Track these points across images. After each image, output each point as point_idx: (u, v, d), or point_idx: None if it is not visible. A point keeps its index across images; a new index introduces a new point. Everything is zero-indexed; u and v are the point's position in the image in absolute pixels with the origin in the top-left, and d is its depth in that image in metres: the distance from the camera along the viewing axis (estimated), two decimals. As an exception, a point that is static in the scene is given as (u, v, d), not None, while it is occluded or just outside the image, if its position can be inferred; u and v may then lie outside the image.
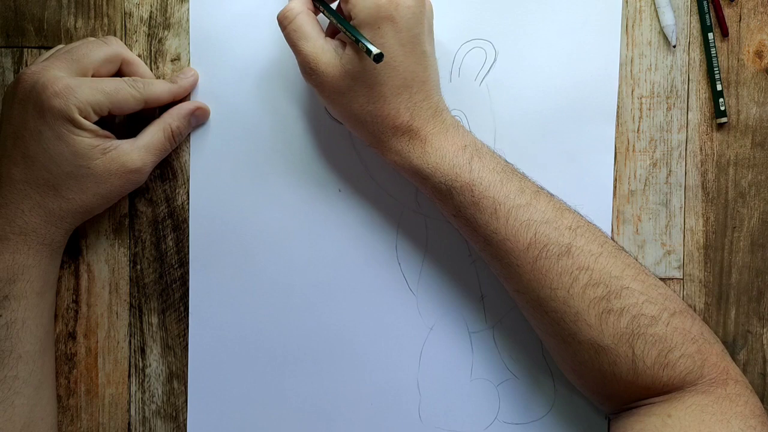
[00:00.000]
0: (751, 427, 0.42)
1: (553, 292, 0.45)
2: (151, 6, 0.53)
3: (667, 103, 0.52)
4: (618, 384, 0.45)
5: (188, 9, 0.53)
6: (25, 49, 0.53)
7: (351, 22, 0.45)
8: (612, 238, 0.52)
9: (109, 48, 0.50)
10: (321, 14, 0.48)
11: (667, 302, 0.45)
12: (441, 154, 0.46)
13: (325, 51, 0.46)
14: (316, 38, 0.46)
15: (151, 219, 0.54)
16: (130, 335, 0.54)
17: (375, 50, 0.43)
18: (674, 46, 0.52)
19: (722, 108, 0.51)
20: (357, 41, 0.44)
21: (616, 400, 0.46)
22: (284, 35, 0.47)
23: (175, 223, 0.53)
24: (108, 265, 0.54)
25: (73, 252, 0.53)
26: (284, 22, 0.47)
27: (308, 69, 0.46)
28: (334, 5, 0.49)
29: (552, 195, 0.47)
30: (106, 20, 0.53)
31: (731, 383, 0.44)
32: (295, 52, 0.47)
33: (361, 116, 0.46)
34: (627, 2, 0.52)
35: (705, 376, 0.44)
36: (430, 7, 0.47)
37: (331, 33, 0.48)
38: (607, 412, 0.49)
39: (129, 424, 0.54)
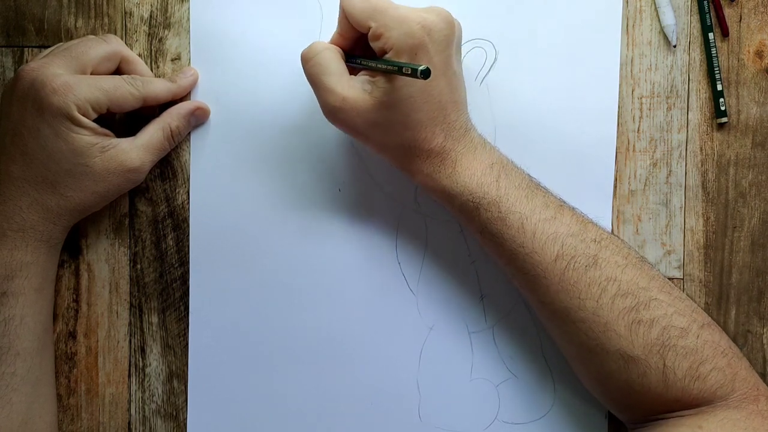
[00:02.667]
0: None
1: (581, 303, 0.45)
2: (151, 5, 0.53)
3: (667, 103, 0.52)
4: (647, 395, 0.44)
5: (188, 8, 0.53)
6: (26, 49, 0.53)
7: (386, 56, 0.45)
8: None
9: (108, 46, 0.50)
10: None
11: (695, 314, 0.45)
12: (470, 173, 0.46)
13: (352, 86, 0.45)
14: (341, 73, 0.45)
15: (151, 218, 0.54)
16: (131, 334, 0.54)
17: (421, 66, 0.42)
18: (674, 46, 0.52)
19: (722, 108, 0.51)
20: (399, 69, 0.43)
21: (642, 411, 0.46)
22: (306, 72, 0.46)
23: (175, 223, 0.53)
24: (108, 265, 0.54)
25: (73, 251, 0.53)
26: (307, 56, 0.46)
27: (335, 107, 0.45)
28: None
29: (574, 208, 0.47)
30: (106, 20, 0.53)
31: (762, 400, 0.44)
32: (319, 90, 0.46)
33: (396, 145, 0.46)
34: (627, 2, 0.52)
35: (736, 391, 0.44)
36: (459, 27, 0.47)
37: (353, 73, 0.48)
38: (626, 421, 0.48)
39: (129, 423, 0.54)
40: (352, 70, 0.47)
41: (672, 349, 0.43)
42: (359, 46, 0.48)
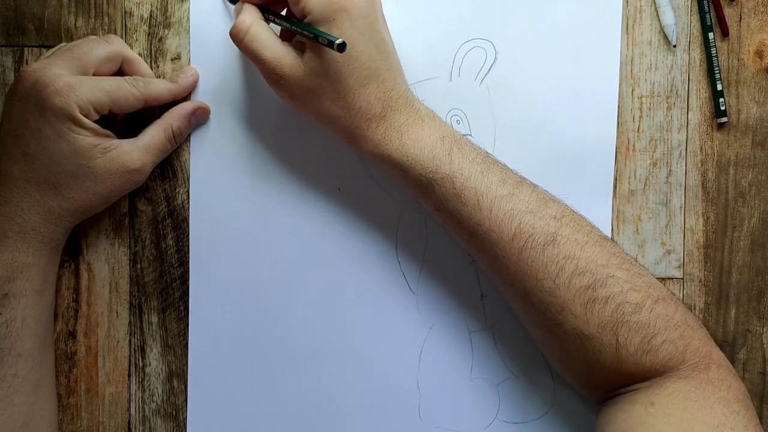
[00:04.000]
0: (735, 412, 0.42)
1: (539, 283, 0.45)
2: (151, 5, 0.53)
3: (667, 102, 0.52)
4: (602, 372, 0.45)
5: (188, 8, 0.53)
6: (26, 48, 0.53)
7: (306, 19, 0.45)
8: (613, 239, 0.52)
9: (110, 46, 0.50)
10: (272, 24, 0.48)
11: (651, 289, 0.45)
12: (419, 145, 0.46)
13: (286, 54, 0.46)
14: (274, 44, 0.46)
15: (151, 218, 0.54)
16: (130, 334, 0.54)
17: (337, 40, 0.42)
18: (674, 46, 0.52)
19: (722, 108, 0.51)
20: (316, 37, 0.44)
21: (602, 389, 0.46)
22: (241, 49, 0.47)
23: (175, 222, 0.53)
24: (108, 264, 0.54)
25: (73, 251, 0.53)
26: (239, 36, 0.46)
27: (273, 75, 0.46)
28: (282, 12, 0.49)
29: (535, 185, 0.47)
30: (106, 19, 0.53)
31: (714, 368, 0.44)
32: (257, 62, 0.46)
33: (333, 113, 0.46)
34: (627, 2, 0.52)
35: (687, 361, 0.44)
36: None
37: (286, 39, 0.48)
38: (595, 401, 0.49)
39: (129, 423, 0.54)
40: (284, 34, 0.48)
41: (624, 325, 0.44)
42: (276, 3, 0.49)
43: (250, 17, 0.47)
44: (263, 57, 0.46)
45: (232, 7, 0.51)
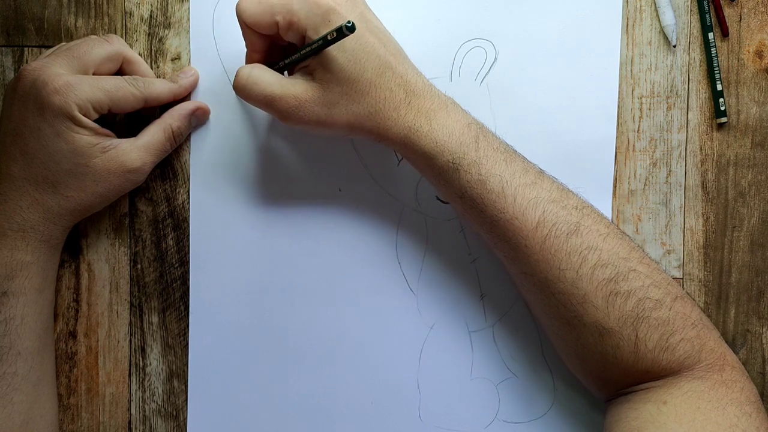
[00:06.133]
0: (747, 414, 0.42)
1: (561, 273, 0.44)
2: (151, 5, 0.53)
3: (667, 102, 0.52)
4: (618, 367, 0.45)
5: (188, 8, 0.53)
6: (26, 48, 0.53)
7: (305, 39, 0.45)
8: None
9: (110, 46, 0.50)
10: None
11: (670, 287, 0.45)
12: (448, 131, 0.45)
13: (295, 84, 0.45)
14: (279, 79, 0.46)
15: (151, 218, 0.54)
16: (131, 334, 0.54)
17: (343, 23, 0.42)
18: (674, 46, 0.52)
19: (722, 108, 0.51)
20: (325, 42, 0.43)
21: (614, 385, 0.46)
22: (247, 98, 0.46)
23: (176, 222, 0.53)
24: (108, 264, 0.54)
25: (73, 251, 0.53)
26: (240, 84, 0.46)
27: (291, 108, 0.45)
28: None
29: (554, 177, 0.47)
30: (106, 19, 0.53)
31: (728, 369, 0.44)
32: (268, 104, 0.46)
33: (361, 113, 0.46)
34: (627, 2, 0.52)
35: (702, 361, 0.44)
36: None
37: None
38: (603, 399, 0.49)
39: (129, 422, 0.54)
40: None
41: (645, 320, 0.44)
42: (275, 53, 0.49)
43: (248, 67, 0.46)
44: (273, 94, 0.45)
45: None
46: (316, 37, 0.44)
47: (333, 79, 0.45)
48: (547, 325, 0.48)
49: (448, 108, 0.46)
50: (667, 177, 0.52)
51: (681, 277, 0.52)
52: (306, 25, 0.44)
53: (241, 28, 0.46)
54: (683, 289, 0.52)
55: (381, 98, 0.45)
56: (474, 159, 0.45)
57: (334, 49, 0.44)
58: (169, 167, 0.53)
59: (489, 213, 0.45)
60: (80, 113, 0.47)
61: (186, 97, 0.52)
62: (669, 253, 0.52)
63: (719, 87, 0.51)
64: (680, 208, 0.52)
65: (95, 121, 0.48)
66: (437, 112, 0.46)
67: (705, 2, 0.51)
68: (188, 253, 0.53)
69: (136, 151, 0.50)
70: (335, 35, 0.43)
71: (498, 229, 0.46)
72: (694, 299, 0.47)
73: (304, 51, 0.45)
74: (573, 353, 0.47)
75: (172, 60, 0.53)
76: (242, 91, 0.46)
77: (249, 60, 0.48)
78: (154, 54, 0.53)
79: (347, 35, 0.42)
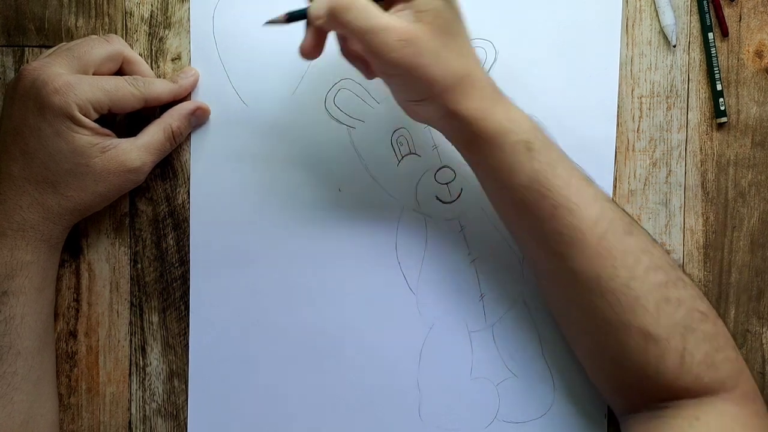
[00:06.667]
0: None
1: (615, 271, 0.43)
2: (151, 5, 0.53)
3: (667, 102, 0.52)
4: (658, 379, 0.43)
5: (189, 8, 0.53)
6: (26, 48, 0.53)
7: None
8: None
9: (110, 46, 0.50)
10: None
11: (710, 306, 0.45)
12: (519, 114, 0.44)
13: (402, 18, 0.42)
14: (383, 13, 0.42)
15: (151, 218, 0.54)
16: (131, 334, 0.54)
17: None
18: (674, 46, 0.52)
19: (722, 108, 0.51)
20: None
21: (647, 399, 0.44)
22: (347, 29, 0.42)
23: (176, 222, 0.53)
24: (109, 264, 0.54)
25: (74, 251, 0.54)
26: (343, 8, 0.41)
27: (395, 43, 0.41)
28: None
29: None
30: (106, 19, 0.53)
31: (758, 402, 0.43)
32: (375, 33, 0.41)
33: (456, 77, 0.43)
34: (627, 2, 0.52)
35: (740, 387, 0.43)
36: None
37: None
38: (623, 412, 0.47)
39: (130, 422, 0.54)
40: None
41: (694, 332, 0.42)
42: None
43: None
44: (383, 25, 0.41)
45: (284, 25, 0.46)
46: None
47: (439, 27, 0.42)
48: (582, 328, 0.46)
49: (507, 98, 0.46)
50: (666, 177, 0.52)
51: (681, 277, 0.52)
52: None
53: None
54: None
55: (471, 65, 0.44)
56: (543, 144, 0.44)
57: (440, 1, 0.42)
58: (169, 167, 0.53)
59: (552, 201, 0.43)
60: (80, 113, 0.47)
61: (186, 97, 0.52)
62: (669, 253, 0.52)
63: (719, 87, 0.51)
64: (680, 208, 0.52)
65: (95, 121, 0.48)
66: (504, 98, 0.45)
67: (705, 2, 0.51)
68: (188, 252, 0.53)
69: (136, 150, 0.50)
70: None
71: (556, 221, 0.44)
72: None
73: None
74: (609, 359, 0.45)
75: (172, 60, 0.53)
76: (343, 14, 0.41)
77: None
78: (155, 54, 0.53)
79: None
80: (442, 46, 0.42)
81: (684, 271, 0.46)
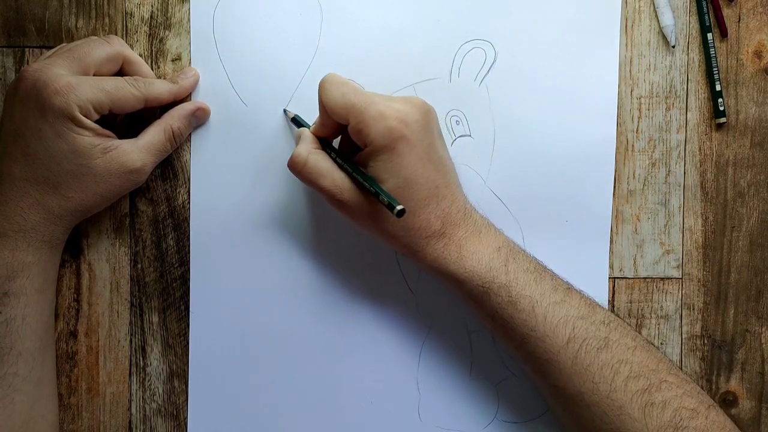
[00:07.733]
0: None
1: (595, 386, 0.44)
2: (151, 6, 0.53)
3: (666, 103, 0.52)
4: None
5: (189, 9, 0.53)
6: (27, 49, 0.53)
7: (367, 149, 0.46)
8: (611, 239, 0.52)
9: (111, 47, 0.50)
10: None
11: (701, 396, 0.45)
12: (477, 258, 0.46)
13: (343, 181, 0.47)
14: (332, 173, 0.47)
15: (151, 218, 0.54)
16: (131, 334, 0.54)
17: (398, 206, 0.43)
18: (673, 47, 0.52)
19: (721, 108, 0.51)
20: (377, 194, 0.44)
21: None
22: (300, 178, 0.48)
23: (176, 222, 0.54)
24: (109, 264, 0.54)
25: (74, 251, 0.54)
26: (297, 167, 0.47)
27: (333, 201, 0.47)
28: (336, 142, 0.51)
29: (581, 291, 0.48)
30: (107, 20, 0.53)
31: None
32: (318, 190, 0.48)
33: (393, 232, 0.47)
34: (626, 2, 0.52)
35: None
36: (434, 113, 0.47)
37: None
38: None
39: (130, 422, 0.54)
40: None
41: (684, 430, 0.43)
42: (342, 130, 0.49)
43: (306, 148, 0.48)
44: (322, 186, 0.47)
45: (295, 128, 0.52)
46: (377, 185, 0.45)
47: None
48: None
49: (481, 233, 0.47)
50: (666, 177, 0.52)
51: (680, 277, 0.52)
52: (373, 140, 0.45)
53: (318, 104, 0.47)
54: (681, 288, 0.52)
55: (415, 226, 0.46)
56: (504, 282, 0.46)
57: (387, 172, 0.45)
58: (170, 167, 0.53)
59: (519, 331, 0.46)
60: (81, 114, 0.47)
61: (186, 98, 0.53)
62: (668, 253, 0.52)
63: (718, 87, 0.51)
64: (679, 208, 0.52)
65: (96, 121, 0.48)
66: (469, 239, 0.47)
67: (704, 3, 0.51)
68: (188, 253, 0.53)
69: (137, 151, 0.50)
70: (385, 203, 0.44)
71: (529, 346, 0.46)
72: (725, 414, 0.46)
73: (361, 178, 0.46)
74: None
75: (172, 61, 0.53)
76: (297, 171, 0.48)
77: (315, 129, 0.49)
78: (155, 55, 0.53)
79: (393, 215, 0.43)
80: (376, 211, 0.46)
81: (675, 364, 0.46)
